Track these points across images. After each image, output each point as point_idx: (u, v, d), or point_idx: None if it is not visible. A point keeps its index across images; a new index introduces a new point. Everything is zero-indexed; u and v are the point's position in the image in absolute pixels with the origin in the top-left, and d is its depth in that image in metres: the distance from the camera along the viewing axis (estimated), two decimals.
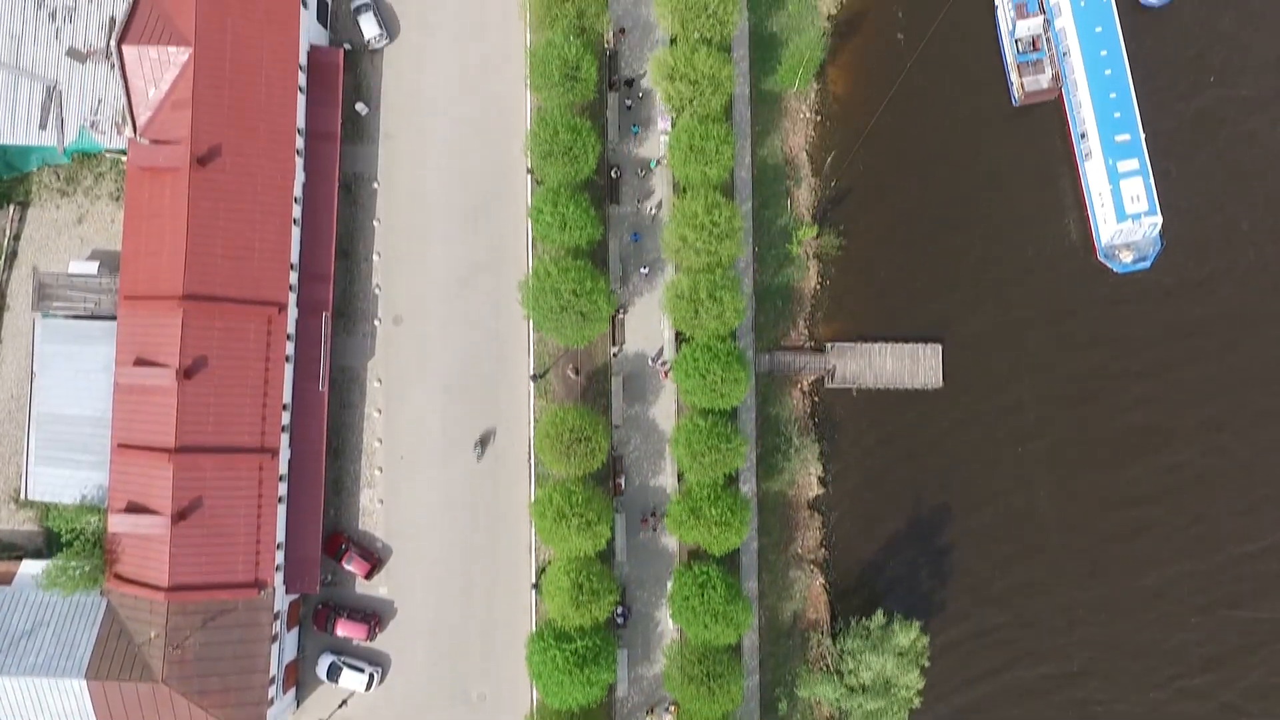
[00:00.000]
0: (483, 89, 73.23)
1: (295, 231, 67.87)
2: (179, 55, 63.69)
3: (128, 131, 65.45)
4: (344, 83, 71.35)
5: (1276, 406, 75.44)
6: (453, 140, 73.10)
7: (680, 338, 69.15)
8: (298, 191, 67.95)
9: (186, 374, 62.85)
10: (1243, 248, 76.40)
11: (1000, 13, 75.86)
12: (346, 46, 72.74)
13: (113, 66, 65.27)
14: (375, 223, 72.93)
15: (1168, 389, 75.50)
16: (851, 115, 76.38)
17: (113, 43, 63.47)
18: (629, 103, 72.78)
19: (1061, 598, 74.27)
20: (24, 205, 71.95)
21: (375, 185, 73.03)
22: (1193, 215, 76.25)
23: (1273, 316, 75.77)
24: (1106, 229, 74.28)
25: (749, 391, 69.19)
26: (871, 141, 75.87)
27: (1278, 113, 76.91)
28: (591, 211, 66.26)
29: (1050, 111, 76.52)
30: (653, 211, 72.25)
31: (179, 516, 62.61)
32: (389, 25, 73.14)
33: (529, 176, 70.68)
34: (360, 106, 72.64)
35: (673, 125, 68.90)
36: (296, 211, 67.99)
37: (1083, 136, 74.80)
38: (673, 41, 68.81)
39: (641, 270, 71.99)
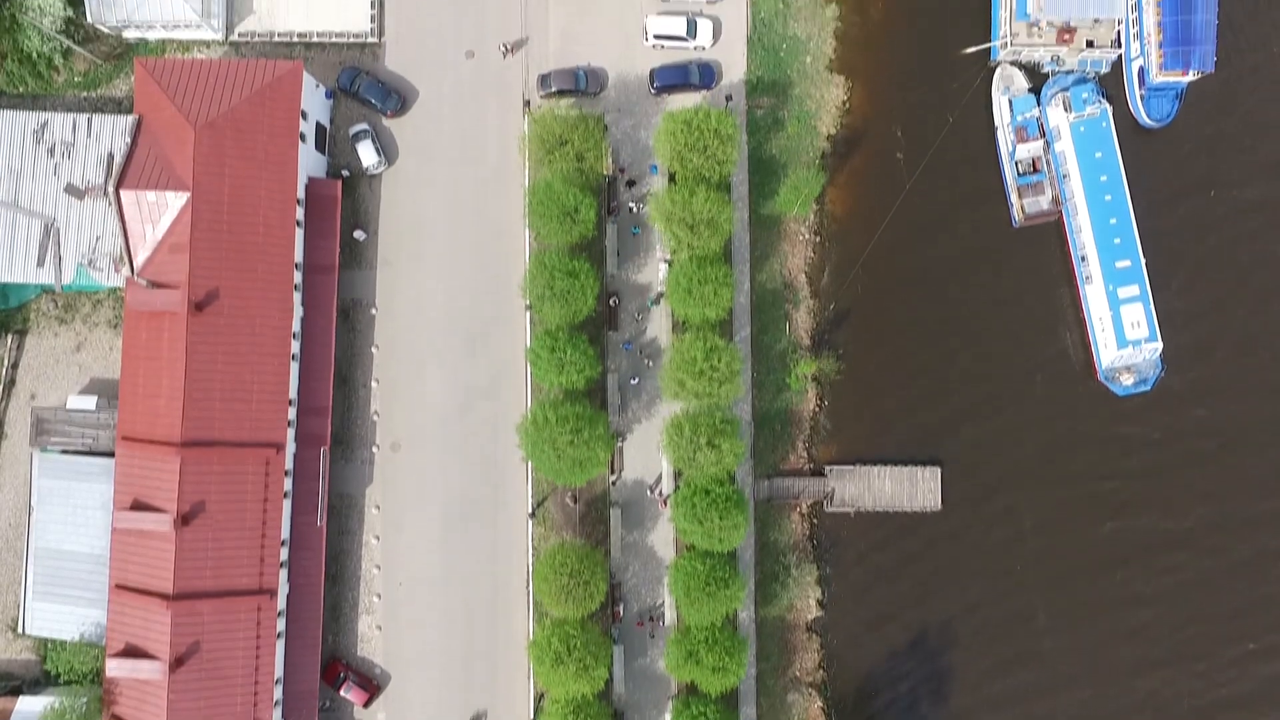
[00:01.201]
0: (481, 214, 73.04)
1: (294, 367, 67.82)
2: (177, 200, 63.55)
3: (125, 271, 65.34)
4: (342, 208, 71.23)
5: (1274, 508, 75.38)
6: (451, 266, 72.98)
7: (679, 471, 69.09)
8: (296, 327, 67.88)
9: (184, 520, 62.80)
10: (1243, 348, 76.19)
11: (1000, 134, 75.57)
12: (345, 174, 72.64)
13: (110, 204, 65.19)
14: (373, 349, 72.84)
15: (1165, 490, 75.43)
16: (851, 235, 76.13)
17: (110, 187, 63.34)
18: (632, 206, 72.76)
19: (1060, 699, 74.48)
20: (22, 333, 71.96)
21: (373, 311, 72.95)
22: (1191, 317, 75.99)
23: (1272, 419, 75.67)
24: (1107, 353, 74.12)
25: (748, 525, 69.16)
26: (871, 262, 75.63)
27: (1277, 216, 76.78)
28: (590, 352, 66.23)
29: (1051, 230, 76.27)
30: (648, 361, 72.55)
31: (177, 663, 62.60)
32: (387, 151, 72.99)
33: (528, 310, 70.54)
34: (358, 233, 72.53)
35: (670, 265, 68.75)
36: (295, 347, 67.95)
37: (1083, 259, 74.58)
38: (672, 179, 68.70)
39: (632, 381, 72.13)
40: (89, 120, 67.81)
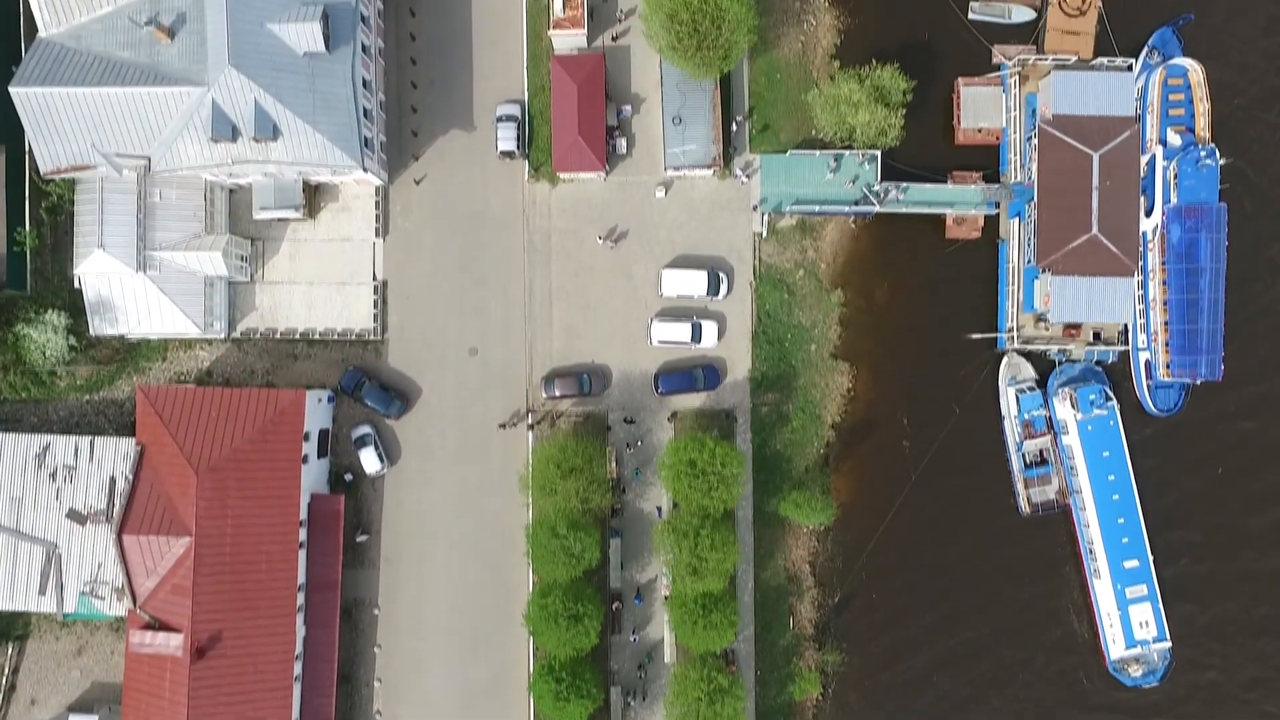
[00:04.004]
0: (483, 513, 72.64)
1: (296, 689, 67.44)
2: (179, 544, 63.33)
3: (127, 603, 65.09)
4: (345, 508, 70.83)
5: None
6: (453, 564, 72.64)
7: None
8: (299, 648, 67.56)
9: None
10: (1252, 630, 75.64)
11: (1007, 424, 75.09)
12: (348, 478, 72.37)
13: (112, 535, 64.97)
14: (376, 649, 72.45)
15: None
16: (856, 523, 75.53)
17: (113, 533, 63.20)
18: (639, 470, 72.49)
19: None
20: (22, 638, 71.70)
21: (376, 611, 72.57)
22: (1200, 599, 75.50)
23: None
24: (1115, 648, 73.54)
25: None
26: (876, 549, 75.19)
27: None
28: (593, 679, 65.99)
29: (1059, 516, 75.64)
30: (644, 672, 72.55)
31: None
32: (390, 452, 72.64)
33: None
34: (361, 536, 72.23)
35: (672, 587, 68.53)
36: (298, 668, 67.60)
37: (1091, 553, 74.04)
38: (675, 506, 68.49)
39: (632, 638, 71.98)
40: (91, 443, 67.63)
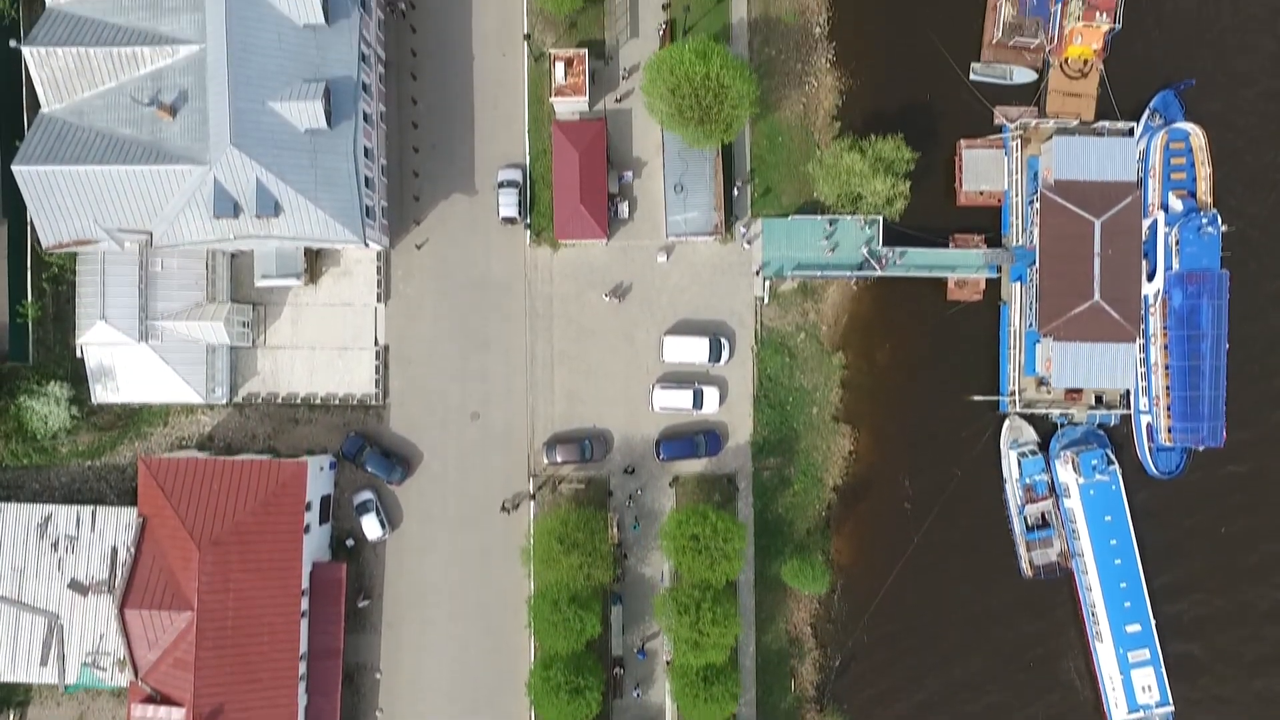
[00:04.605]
0: (485, 578, 72.62)
1: None
2: (180, 618, 63.33)
3: (129, 675, 65.06)
4: (346, 573, 70.77)
5: None
6: (455, 629, 72.62)
7: None
8: (300, 718, 67.53)
9: None
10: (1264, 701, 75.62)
11: (1009, 487, 75.03)
12: (350, 543, 72.33)
13: (112, 598, 65.07)
14: (378, 713, 72.42)
15: None
16: (858, 585, 75.49)
17: (114, 607, 63.24)
18: (637, 521, 72.51)
19: None
20: (24, 705, 71.70)
21: (378, 675, 72.54)
22: (1203, 664, 75.37)
23: None
24: (1118, 712, 73.42)
25: None
26: (878, 612, 75.11)
27: None
28: None
29: (1060, 579, 75.49)
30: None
31: None
32: (391, 517, 72.61)
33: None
34: (362, 601, 72.20)
35: (674, 657, 68.50)
36: None
37: (1093, 616, 73.96)
38: (674, 586, 68.57)
39: (635, 693, 71.88)
40: (93, 513, 67.68)
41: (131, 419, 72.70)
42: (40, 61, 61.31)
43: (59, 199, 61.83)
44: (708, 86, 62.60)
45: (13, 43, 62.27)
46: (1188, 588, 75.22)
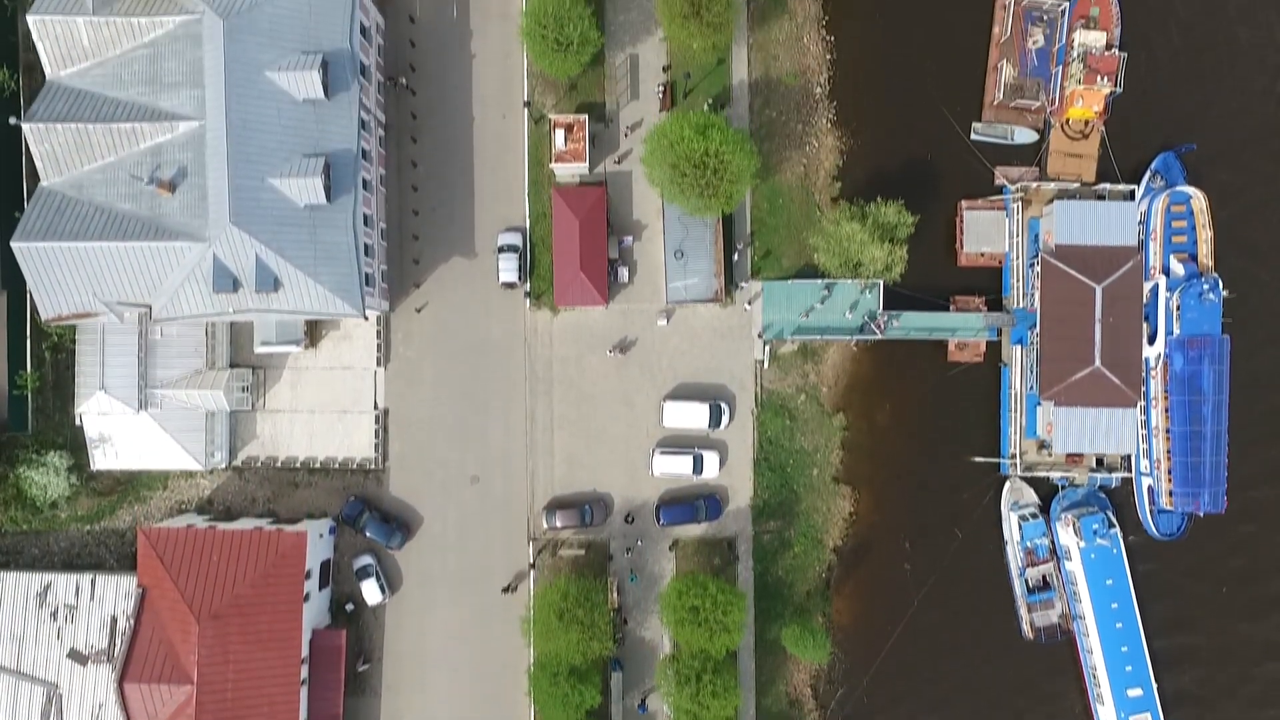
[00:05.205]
0: (485, 642, 72.53)
1: None
2: (180, 692, 63.24)
3: None
4: (346, 637, 70.69)
5: None
6: (454, 694, 72.53)
7: None
8: None
9: None
10: None
11: (1010, 549, 74.88)
12: (349, 607, 72.23)
13: (111, 667, 65.00)
14: None
15: None
16: (859, 646, 75.38)
17: (113, 680, 63.17)
18: (634, 574, 72.46)
19: None
20: None
21: None
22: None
23: None
24: None
25: None
26: (879, 673, 74.92)
27: None
28: None
29: (1061, 642, 75.34)
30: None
31: None
32: (391, 581, 72.53)
33: None
34: (362, 665, 72.12)
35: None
36: None
37: (1094, 677, 73.79)
38: (674, 655, 68.43)
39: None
40: (92, 581, 67.58)
41: (131, 484, 72.66)
42: (40, 137, 61.26)
43: (58, 274, 61.73)
44: (707, 163, 62.45)
45: (13, 120, 62.14)
46: (1189, 653, 74.99)
